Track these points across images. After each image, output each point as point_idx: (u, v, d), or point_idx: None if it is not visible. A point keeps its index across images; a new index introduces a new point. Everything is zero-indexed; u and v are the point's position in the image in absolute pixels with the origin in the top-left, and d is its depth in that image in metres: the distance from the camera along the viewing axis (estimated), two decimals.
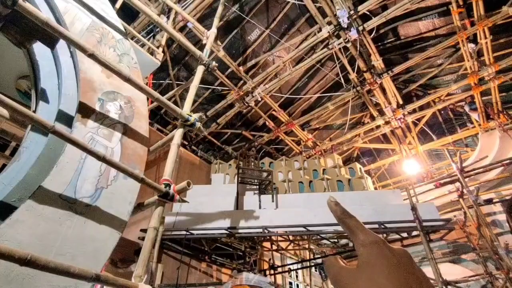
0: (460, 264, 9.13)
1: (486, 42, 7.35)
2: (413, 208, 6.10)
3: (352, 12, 6.71)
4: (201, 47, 4.66)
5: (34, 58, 2.70)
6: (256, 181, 7.64)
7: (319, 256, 10.73)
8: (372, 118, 10.34)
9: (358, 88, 8.88)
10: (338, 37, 7.27)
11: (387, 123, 9.93)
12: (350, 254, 8.36)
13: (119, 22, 3.55)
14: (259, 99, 8.97)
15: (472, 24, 7.16)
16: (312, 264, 9.75)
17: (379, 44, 8.55)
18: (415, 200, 6.44)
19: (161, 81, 8.92)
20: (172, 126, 9.98)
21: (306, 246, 9.04)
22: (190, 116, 3.37)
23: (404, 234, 6.62)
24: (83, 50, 2.49)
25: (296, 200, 7.08)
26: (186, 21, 6.60)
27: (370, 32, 7.34)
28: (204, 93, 9.45)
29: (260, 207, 6.82)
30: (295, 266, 10.04)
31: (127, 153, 2.78)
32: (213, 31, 4.82)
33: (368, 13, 6.86)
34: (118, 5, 5.00)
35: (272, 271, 8.71)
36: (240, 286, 6.16)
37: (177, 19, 7.12)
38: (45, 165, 2.24)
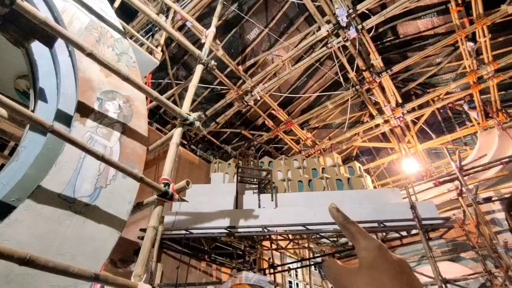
0: (459, 263, 9.15)
1: (485, 41, 7.35)
2: (412, 207, 6.11)
3: (351, 11, 6.70)
4: (200, 46, 4.65)
5: (32, 57, 2.69)
6: (255, 180, 7.64)
7: (318, 255, 10.76)
8: (371, 117, 10.34)
9: (357, 87, 8.87)
10: (337, 36, 7.27)
11: (386, 122, 9.93)
12: (349, 253, 8.38)
13: (117, 21, 3.54)
14: (258, 98, 8.96)
15: (471, 22, 7.16)
16: (312, 263, 9.76)
17: (378, 43, 8.54)
18: (414, 198, 6.44)
19: (160, 81, 8.91)
20: (171, 125, 9.97)
21: (306, 245, 9.05)
22: (189, 115, 3.37)
23: (404, 233, 6.63)
24: (81, 49, 2.48)
25: (295, 199, 7.08)
26: (185, 20, 6.59)
27: (369, 31, 7.33)
28: (203, 93, 9.44)
29: (259, 206, 6.82)
30: (294, 265, 10.06)
31: (126, 152, 2.78)
32: (212, 30, 4.82)
33: (367, 11, 6.86)
34: (116, 4, 4.99)
35: (271, 270, 8.73)
36: (240, 285, 6.17)
37: (176, 18, 7.11)
38: (43, 165, 2.23)
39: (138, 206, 3.00)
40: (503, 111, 9.06)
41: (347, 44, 7.34)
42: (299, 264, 10.11)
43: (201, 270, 8.04)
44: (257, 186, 7.52)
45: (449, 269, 8.20)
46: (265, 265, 8.90)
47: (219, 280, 8.11)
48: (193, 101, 8.95)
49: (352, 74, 8.52)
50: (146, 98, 3.44)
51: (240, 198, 7.07)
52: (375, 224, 5.91)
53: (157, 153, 7.92)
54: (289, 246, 8.86)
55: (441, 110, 10.77)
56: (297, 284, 10.27)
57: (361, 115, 11.36)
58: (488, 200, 7.44)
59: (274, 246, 8.87)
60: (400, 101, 9.36)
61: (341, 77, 8.60)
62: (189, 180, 2.95)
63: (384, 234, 6.93)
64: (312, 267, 10.63)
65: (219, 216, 6.46)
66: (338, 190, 7.79)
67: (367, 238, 0.49)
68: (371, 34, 7.44)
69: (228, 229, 6.24)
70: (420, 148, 11.05)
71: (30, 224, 1.98)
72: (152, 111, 9.40)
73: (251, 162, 8.76)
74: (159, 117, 9.94)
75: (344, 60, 8.15)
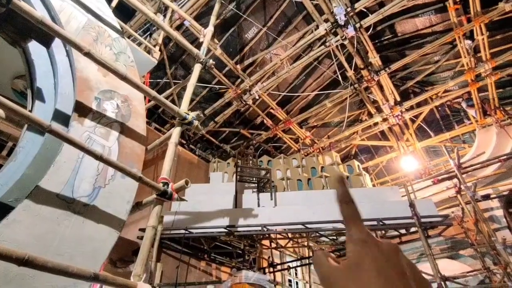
0: (458, 260, 9.19)
1: (483, 39, 7.37)
2: (411, 205, 6.13)
3: (349, 9, 6.70)
4: (198, 46, 4.64)
5: (29, 57, 2.68)
6: (254, 179, 7.64)
7: None
8: (370, 115, 10.36)
9: (356, 85, 8.87)
10: (335, 34, 7.27)
11: (384, 120, 9.94)
12: None
13: (115, 21, 3.53)
14: (257, 97, 8.96)
15: (469, 20, 7.17)
16: (311, 261, 9.77)
17: (376, 41, 8.55)
18: (413, 196, 6.46)
19: (158, 80, 8.89)
20: (170, 125, 9.95)
21: (305, 243, 9.05)
22: (188, 114, 3.37)
23: (403, 231, 6.65)
24: (79, 48, 2.47)
25: (294, 198, 7.09)
26: (183, 19, 6.57)
27: (367, 29, 7.34)
28: (202, 92, 9.42)
29: (258, 205, 6.82)
30: (294, 264, 10.07)
31: (125, 152, 2.77)
32: (210, 29, 4.81)
33: (365, 10, 6.85)
34: (114, 3, 4.98)
35: (271, 269, 8.75)
36: (240, 284, 6.17)
37: (173, 18, 7.09)
38: (42, 165, 2.22)
39: (137, 205, 3.00)
40: (501, 108, 9.09)
41: (345, 42, 7.34)
42: (298, 263, 10.12)
43: (201, 270, 8.04)
44: (256, 185, 7.52)
45: (448, 267, 8.24)
46: (265, 264, 8.91)
47: (219, 279, 8.12)
48: (192, 100, 8.95)
49: (350, 73, 8.52)
50: (145, 98, 3.43)
51: (239, 197, 7.07)
52: (375, 222, 5.93)
53: (156, 152, 7.91)
54: (289, 245, 8.88)
55: (439, 108, 10.79)
56: (296, 283, 10.28)
57: (359, 113, 11.37)
58: (486, 197, 7.47)
59: (273, 245, 8.89)
60: (398, 99, 9.37)
61: (339, 76, 8.61)
62: (188, 179, 2.94)
63: (383, 232, 6.95)
64: (312, 265, 10.64)
65: (219, 215, 6.46)
66: None
67: (356, 227, 0.46)
68: (369, 32, 7.45)
69: (227, 228, 6.24)
70: (418, 146, 11.07)
71: (28, 224, 1.97)
72: (150, 111, 9.39)
73: (250, 161, 8.76)
74: (158, 116, 9.93)
75: (343, 59, 8.15)
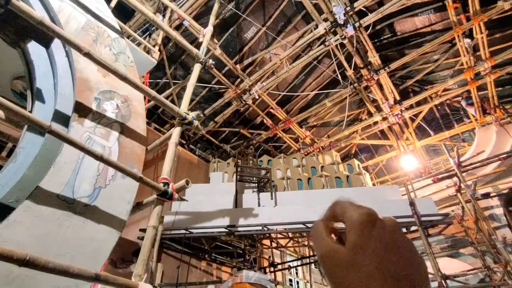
0: (458, 258, 9.19)
1: (482, 37, 7.37)
2: (411, 204, 6.13)
3: (348, 8, 6.70)
4: (198, 46, 4.64)
5: (29, 58, 2.68)
6: (254, 179, 7.63)
7: None
8: (370, 114, 10.36)
9: (355, 84, 8.88)
10: (335, 34, 7.27)
11: (384, 119, 9.95)
12: None
13: (114, 21, 3.53)
14: (257, 97, 8.95)
15: (468, 19, 7.17)
16: (312, 261, 9.77)
17: (376, 40, 8.55)
18: (413, 195, 6.46)
19: (157, 80, 8.88)
20: (170, 125, 9.95)
21: (306, 243, 9.06)
22: (188, 114, 3.36)
23: (403, 230, 6.65)
24: (78, 49, 2.47)
25: (295, 197, 7.09)
26: (182, 19, 6.57)
27: (366, 28, 7.34)
28: (201, 92, 9.42)
29: (259, 205, 6.82)
30: (295, 263, 10.08)
31: (125, 152, 2.77)
32: (210, 29, 4.80)
33: (364, 9, 6.85)
34: (113, 3, 4.98)
35: (272, 269, 8.75)
36: (241, 284, 6.17)
37: (173, 18, 7.09)
38: (42, 166, 2.22)
39: (137, 206, 3.00)
40: (501, 107, 9.09)
41: (345, 42, 7.33)
42: (299, 262, 10.12)
43: (202, 270, 8.04)
44: (256, 185, 7.52)
45: (448, 265, 8.24)
46: (265, 263, 8.92)
47: (219, 279, 8.12)
48: (191, 100, 8.96)
49: (350, 72, 8.53)
50: (144, 98, 3.43)
51: (239, 197, 7.07)
52: None
53: (156, 153, 7.91)
54: (289, 244, 8.88)
55: (439, 107, 10.81)
56: (297, 282, 10.29)
57: (359, 112, 11.38)
58: (486, 196, 7.48)
59: (274, 245, 8.89)
60: (398, 98, 9.37)
61: (339, 75, 8.61)
62: (188, 179, 2.94)
63: None
64: (312, 265, 10.64)
65: (219, 215, 6.46)
66: (337, 188, 7.80)
67: (350, 211, 0.42)
68: (368, 31, 7.45)
69: (228, 228, 6.23)
70: (418, 145, 11.07)
71: (29, 225, 1.97)
72: (150, 111, 9.38)
73: (250, 161, 8.75)
74: (158, 117, 9.92)
75: (342, 58, 8.15)
